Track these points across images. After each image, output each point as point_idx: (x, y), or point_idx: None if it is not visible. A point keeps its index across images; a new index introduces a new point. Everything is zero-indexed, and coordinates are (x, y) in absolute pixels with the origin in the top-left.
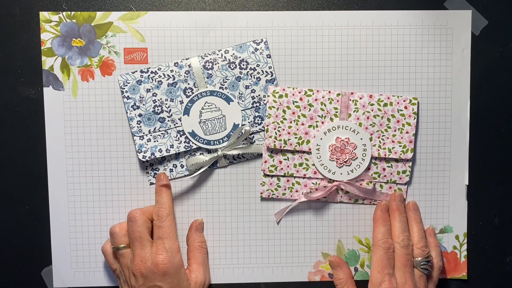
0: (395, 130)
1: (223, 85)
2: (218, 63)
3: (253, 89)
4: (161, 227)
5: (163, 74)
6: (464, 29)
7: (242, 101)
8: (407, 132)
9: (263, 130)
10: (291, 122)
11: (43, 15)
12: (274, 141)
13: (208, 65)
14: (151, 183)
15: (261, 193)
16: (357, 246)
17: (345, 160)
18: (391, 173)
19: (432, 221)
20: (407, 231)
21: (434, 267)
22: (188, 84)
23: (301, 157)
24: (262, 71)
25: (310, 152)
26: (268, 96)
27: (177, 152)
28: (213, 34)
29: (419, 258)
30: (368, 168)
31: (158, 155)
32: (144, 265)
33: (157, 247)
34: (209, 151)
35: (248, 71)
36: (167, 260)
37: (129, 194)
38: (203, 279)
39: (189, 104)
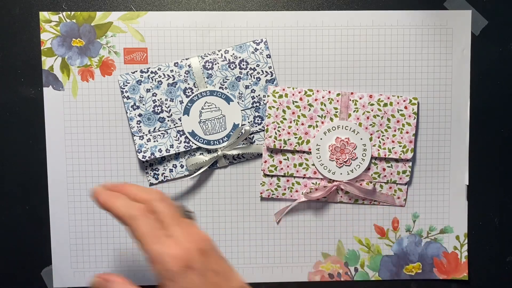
0: (395, 130)
1: (223, 85)
2: (218, 63)
3: (253, 89)
4: None
5: (163, 74)
6: (464, 29)
7: (242, 101)
8: (407, 132)
9: (263, 130)
10: (291, 122)
11: (43, 15)
12: (274, 141)
13: (208, 65)
14: (151, 184)
15: (261, 193)
16: (357, 246)
17: (345, 160)
18: (391, 173)
19: (432, 221)
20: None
21: None
22: (188, 84)
23: (301, 157)
24: (262, 71)
25: (310, 152)
26: (268, 96)
27: (177, 152)
28: (213, 34)
29: None
30: (368, 168)
31: (158, 155)
32: None
33: None
34: (209, 151)
35: (248, 71)
36: None
37: None
38: None
39: (189, 104)
